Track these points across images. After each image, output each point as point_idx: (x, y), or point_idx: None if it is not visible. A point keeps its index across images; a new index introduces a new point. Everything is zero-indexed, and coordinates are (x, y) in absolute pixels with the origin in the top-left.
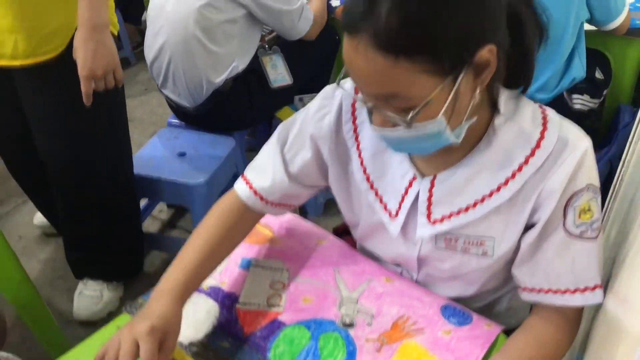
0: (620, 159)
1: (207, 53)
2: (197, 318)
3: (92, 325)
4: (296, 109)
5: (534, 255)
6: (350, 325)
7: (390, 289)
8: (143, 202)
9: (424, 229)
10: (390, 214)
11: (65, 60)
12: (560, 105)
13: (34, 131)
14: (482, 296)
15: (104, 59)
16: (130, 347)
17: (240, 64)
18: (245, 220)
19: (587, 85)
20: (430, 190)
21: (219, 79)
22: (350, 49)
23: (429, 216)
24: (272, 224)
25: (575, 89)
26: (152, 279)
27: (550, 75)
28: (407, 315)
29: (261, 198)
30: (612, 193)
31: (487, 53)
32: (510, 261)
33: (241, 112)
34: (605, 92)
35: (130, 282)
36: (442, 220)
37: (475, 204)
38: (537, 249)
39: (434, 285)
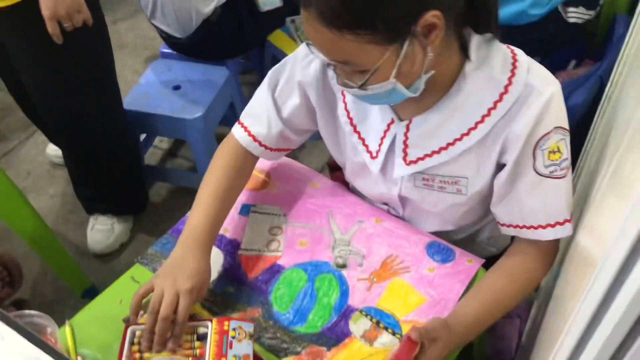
0: (610, 73)
1: None
2: None
3: (106, 257)
4: (288, 32)
5: (508, 195)
6: (344, 266)
7: (379, 230)
8: (143, 136)
9: (400, 169)
10: (371, 155)
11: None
12: (556, 19)
13: (20, 73)
14: (463, 229)
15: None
16: (173, 299)
17: None
18: (248, 164)
19: None
20: (405, 134)
21: (208, 8)
22: (304, 19)
23: (404, 158)
24: (268, 169)
25: (570, 1)
26: (159, 210)
27: None
28: (395, 254)
29: (260, 143)
30: (600, 112)
31: (431, 17)
32: (485, 198)
33: (232, 39)
34: (601, 1)
35: (139, 213)
36: (417, 161)
37: (447, 146)
38: (511, 189)
39: (418, 220)
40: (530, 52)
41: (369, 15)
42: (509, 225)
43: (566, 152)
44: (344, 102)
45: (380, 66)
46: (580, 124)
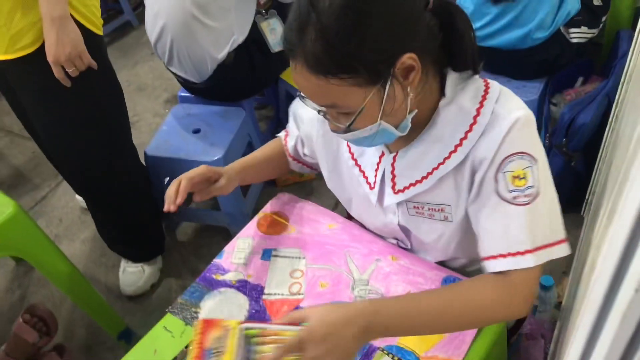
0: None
1: (207, 30)
2: (231, 311)
3: (138, 298)
4: None
5: (477, 224)
6: None
7: (396, 268)
8: (167, 179)
9: (389, 198)
10: (370, 186)
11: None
12: (559, 41)
13: (34, 122)
14: (473, 261)
15: (66, 46)
16: (176, 186)
17: (240, 36)
18: (285, 160)
19: (585, 16)
20: (392, 165)
21: (222, 53)
22: (293, 69)
23: (393, 187)
24: (287, 213)
25: (572, 22)
26: (187, 248)
27: (546, 12)
28: (412, 291)
29: (288, 153)
30: (609, 130)
31: (407, 59)
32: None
33: (246, 80)
34: (604, 18)
35: (168, 253)
36: (403, 190)
37: (427, 175)
38: (478, 217)
39: (423, 251)
40: (536, 74)
41: (350, 61)
42: (481, 259)
43: (533, 180)
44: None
45: (365, 107)
46: (590, 143)
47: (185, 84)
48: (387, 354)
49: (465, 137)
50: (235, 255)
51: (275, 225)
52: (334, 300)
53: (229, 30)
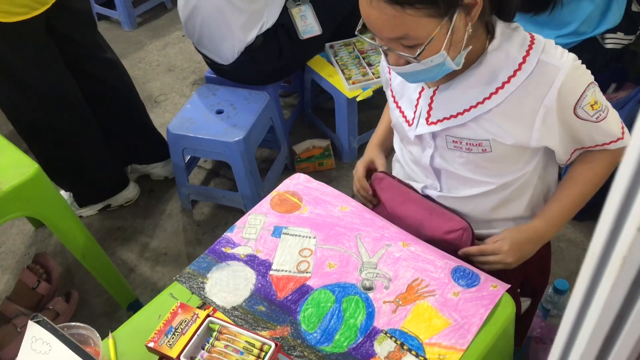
0: None
1: (238, 12)
2: (237, 284)
3: (151, 274)
4: (327, 57)
5: (572, 144)
6: (370, 288)
7: (406, 254)
8: (188, 157)
9: (422, 128)
10: (408, 123)
11: None
12: (592, 45)
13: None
14: (496, 206)
15: None
16: (361, 174)
17: (269, 19)
18: None
19: (622, 21)
20: (431, 98)
21: (250, 36)
22: (366, 3)
23: (427, 119)
24: (301, 192)
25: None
26: (202, 228)
27: (581, 22)
28: (420, 278)
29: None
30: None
31: None
32: (512, 155)
33: (273, 66)
34: None
35: (183, 231)
36: (437, 122)
37: (463, 112)
38: (574, 141)
39: (456, 187)
40: None
41: None
42: (572, 153)
43: (600, 97)
44: (391, 86)
45: (434, 37)
46: None
47: (213, 65)
48: (390, 337)
49: (508, 82)
50: (246, 230)
51: (288, 204)
52: (340, 281)
53: (259, 14)
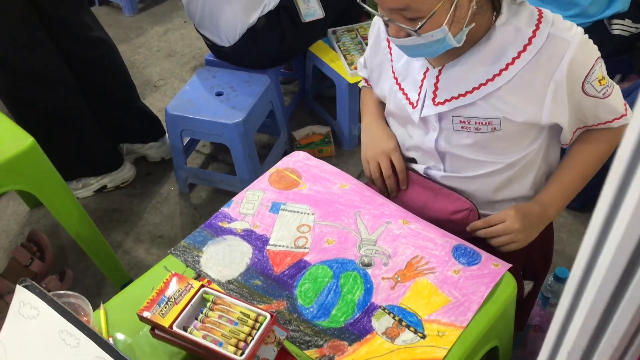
0: None
1: None
2: (233, 258)
3: (145, 257)
4: (330, 43)
5: (576, 122)
6: (369, 265)
7: (406, 231)
8: (186, 140)
9: (428, 109)
10: (412, 105)
11: None
12: (600, 31)
13: None
14: (499, 187)
15: None
16: (388, 162)
17: (272, 1)
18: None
19: (630, 9)
20: (437, 77)
21: (252, 18)
22: None
23: (433, 99)
24: (300, 169)
25: (616, 13)
26: (199, 211)
27: (590, 3)
28: (420, 255)
29: (367, 82)
30: None
31: None
32: (523, 131)
33: (274, 48)
34: None
35: (180, 215)
36: (444, 102)
37: (472, 90)
38: (578, 119)
39: (460, 168)
40: None
41: None
42: (575, 131)
43: (605, 73)
44: (392, 66)
45: (437, 11)
46: None
47: (213, 47)
48: (388, 314)
49: (518, 57)
50: (244, 205)
51: (287, 181)
52: (338, 257)
53: None
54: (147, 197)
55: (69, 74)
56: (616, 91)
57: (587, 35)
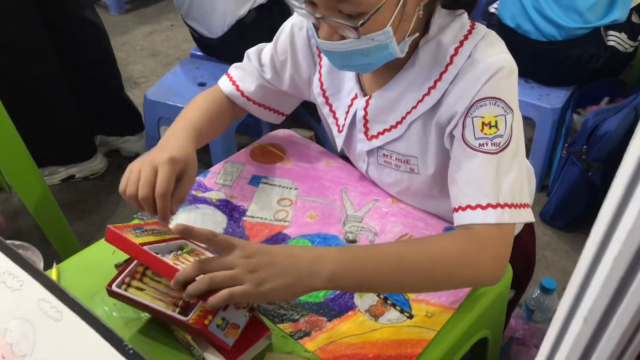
0: None
1: None
2: (205, 227)
3: None
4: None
5: (448, 175)
6: (353, 241)
7: (395, 210)
8: (164, 131)
9: (362, 145)
10: (338, 129)
11: None
12: (596, 40)
13: None
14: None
15: None
16: (150, 174)
17: None
18: (226, 110)
19: (626, 24)
20: (365, 109)
21: (242, 10)
22: None
23: (366, 132)
24: (285, 145)
25: (614, 26)
26: None
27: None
28: (410, 234)
29: (242, 94)
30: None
31: None
32: (445, 181)
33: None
34: None
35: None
36: (377, 135)
37: (402, 120)
38: (450, 166)
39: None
40: (565, 76)
41: None
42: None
43: (505, 130)
44: (320, 72)
45: (382, 7)
46: (612, 155)
47: (200, 39)
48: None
49: (439, 79)
50: (221, 176)
51: (270, 155)
52: (321, 232)
53: None
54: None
55: (53, 52)
56: (498, 165)
57: (512, 68)
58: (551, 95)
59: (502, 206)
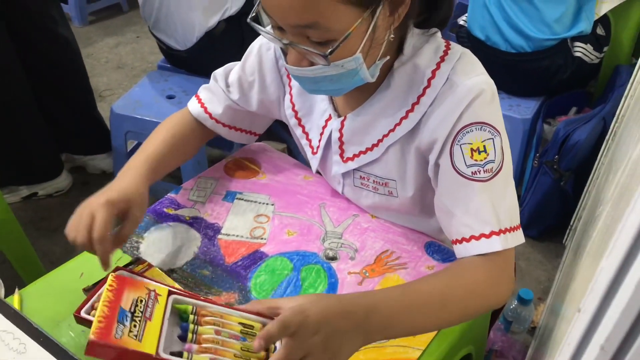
0: (614, 116)
1: None
2: (178, 247)
3: None
4: None
5: (440, 206)
6: (334, 258)
7: (375, 225)
8: (131, 146)
9: (337, 167)
10: (312, 150)
11: None
12: (564, 51)
13: None
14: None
15: None
16: (87, 219)
17: (233, 5)
18: (195, 133)
19: (592, 36)
20: (340, 130)
21: (211, 21)
22: None
23: (342, 154)
24: (260, 159)
25: (581, 37)
26: None
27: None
28: (391, 250)
29: (210, 116)
30: (605, 148)
31: None
32: (422, 206)
33: (233, 55)
34: (605, 49)
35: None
36: (353, 158)
37: (378, 143)
38: (440, 198)
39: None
40: (534, 86)
41: None
42: (453, 242)
43: (494, 154)
44: (290, 93)
45: (352, 33)
46: (582, 165)
47: (168, 51)
48: None
49: (417, 102)
50: (194, 192)
51: (245, 170)
52: (300, 249)
53: None
54: None
55: (20, 66)
56: (494, 191)
57: (495, 95)
58: (521, 105)
59: (504, 232)
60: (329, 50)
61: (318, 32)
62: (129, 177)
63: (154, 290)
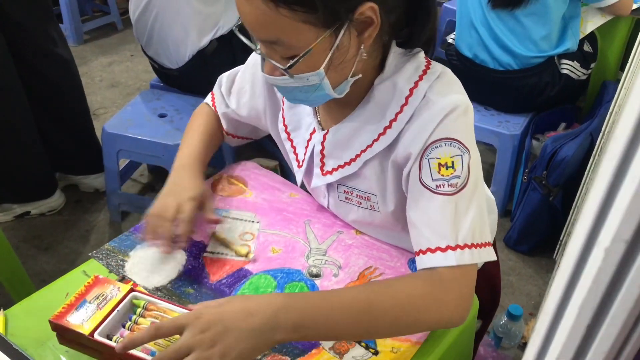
0: (600, 132)
1: (194, 12)
2: (163, 265)
3: None
4: None
5: (408, 217)
6: (317, 275)
7: (359, 242)
8: (123, 164)
9: (317, 180)
10: (298, 164)
11: None
12: (551, 68)
13: None
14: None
15: None
16: (173, 212)
17: (225, 25)
18: (221, 129)
19: (579, 53)
20: (322, 144)
21: (204, 40)
22: None
23: (322, 167)
24: (247, 177)
25: (568, 55)
26: None
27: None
28: (374, 266)
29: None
30: (592, 163)
31: (368, 10)
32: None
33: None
34: (592, 65)
35: (115, 232)
36: (332, 171)
37: (355, 158)
38: (408, 209)
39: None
40: (522, 104)
41: None
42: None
43: (462, 170)
44: (282, 109)
45: (312, 50)
46: (570, 180)
47: (161, 70)
48: None
49: (395, 119)
50: None
51: (231, 188)
52: (284, 267)
53: (215, 17)
54: (74, 226)
55: (20, 85)
56: (456, 206)
57: (469, 113)
58: (510, 122)
59: (462, 247)
60: (288, 65)
61: (282, 48)
62: (189, 176)
63: (117, 288)
